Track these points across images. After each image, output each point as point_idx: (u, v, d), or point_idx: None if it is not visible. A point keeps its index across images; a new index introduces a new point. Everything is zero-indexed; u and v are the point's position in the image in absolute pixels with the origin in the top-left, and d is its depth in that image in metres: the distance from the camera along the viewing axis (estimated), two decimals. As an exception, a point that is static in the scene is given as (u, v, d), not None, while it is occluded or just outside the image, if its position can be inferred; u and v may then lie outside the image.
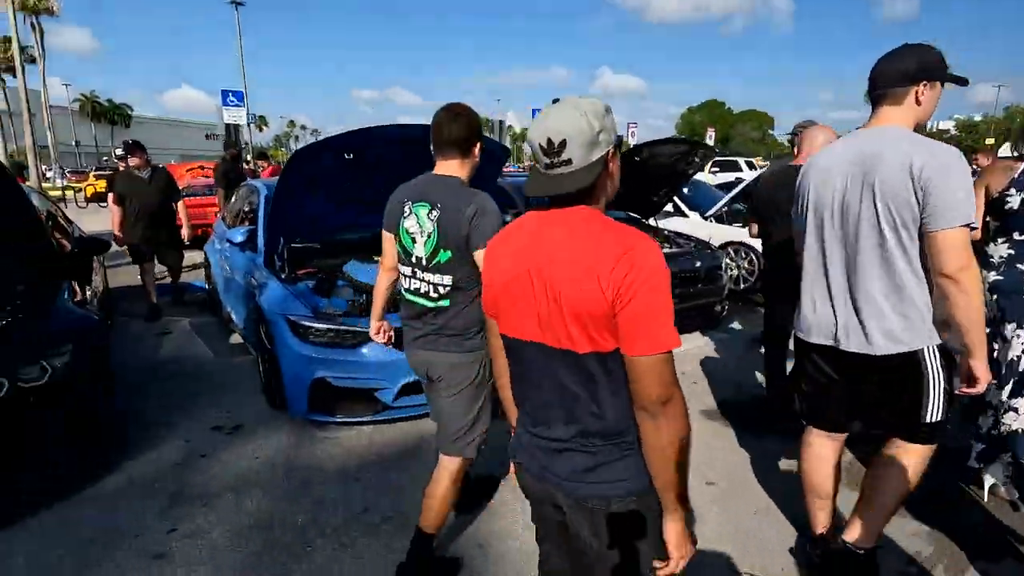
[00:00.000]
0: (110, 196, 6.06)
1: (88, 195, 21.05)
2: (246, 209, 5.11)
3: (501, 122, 16.99)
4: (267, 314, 3.36)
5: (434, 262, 1.91)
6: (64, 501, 2.60)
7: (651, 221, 6.42)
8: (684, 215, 7.26)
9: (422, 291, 1.96)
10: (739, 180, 12.02)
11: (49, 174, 34.53)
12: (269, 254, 3.87)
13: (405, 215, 1.95)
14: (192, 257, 7.11)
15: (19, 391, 2.44)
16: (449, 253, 1.87)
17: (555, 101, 1.16)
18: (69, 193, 21.92)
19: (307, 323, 3.14)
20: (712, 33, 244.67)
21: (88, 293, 3.55)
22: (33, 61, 34.81)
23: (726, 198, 6.94)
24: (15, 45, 23.61)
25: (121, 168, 7.47)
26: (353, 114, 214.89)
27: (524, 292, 1.15)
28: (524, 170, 16.46)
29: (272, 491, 2.69)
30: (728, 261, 6.54)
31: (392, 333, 2.29)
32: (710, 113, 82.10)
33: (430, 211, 1.88)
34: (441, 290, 1.92)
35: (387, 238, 2.07)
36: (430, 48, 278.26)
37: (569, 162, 1.07)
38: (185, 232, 5.84)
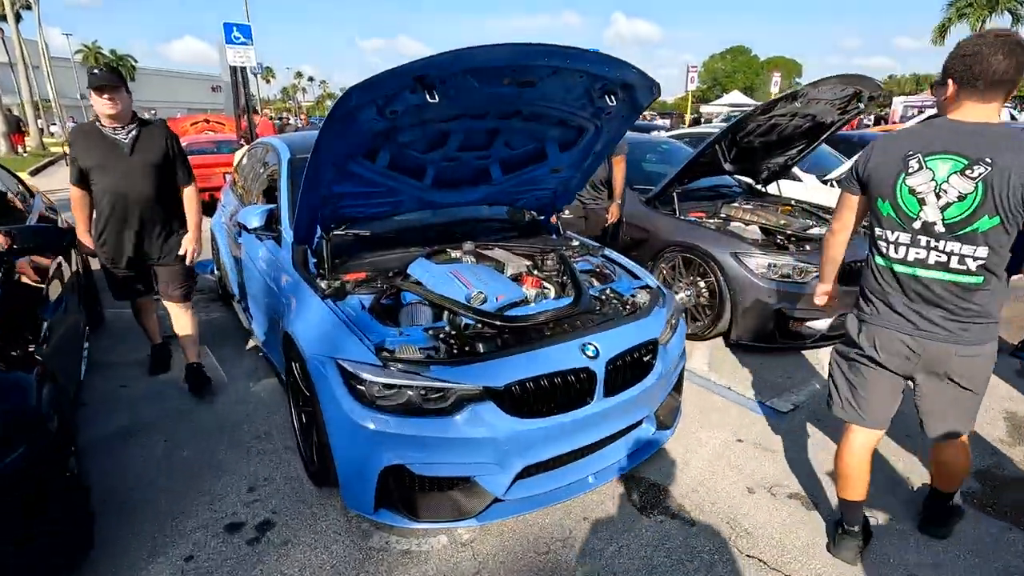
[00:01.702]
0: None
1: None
2: (263, 174, 3.85)
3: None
4: (305, 353, 2.17)
5: (966, 230, 1.57)
6: None
7: (769, 188, 5.07)
8: (796, 178, 5.88)
9: (931, 261, 1.65)
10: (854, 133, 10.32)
11: (54, 128, 33.22)
12: (301, 250, 2.65)
13: (910, 171, 1.63)
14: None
15: None
16: (996, 220, 1.54)
17: None
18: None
19: (372, 376, 1.94)
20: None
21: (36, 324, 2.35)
22: (28, 7, 32.83)
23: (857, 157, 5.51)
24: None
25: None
26: (361, 65, 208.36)
27: None
28: None
29: None
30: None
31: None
32: (734, 61, 77.58)
33: (967, 167, 1.55)
34: (971, 263, 1.60)
35: (853, 201, 1.84)
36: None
37: None
38: (188, 248, 3.02)
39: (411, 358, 1.98)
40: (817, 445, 2.71)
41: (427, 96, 1.95)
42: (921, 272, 1.66)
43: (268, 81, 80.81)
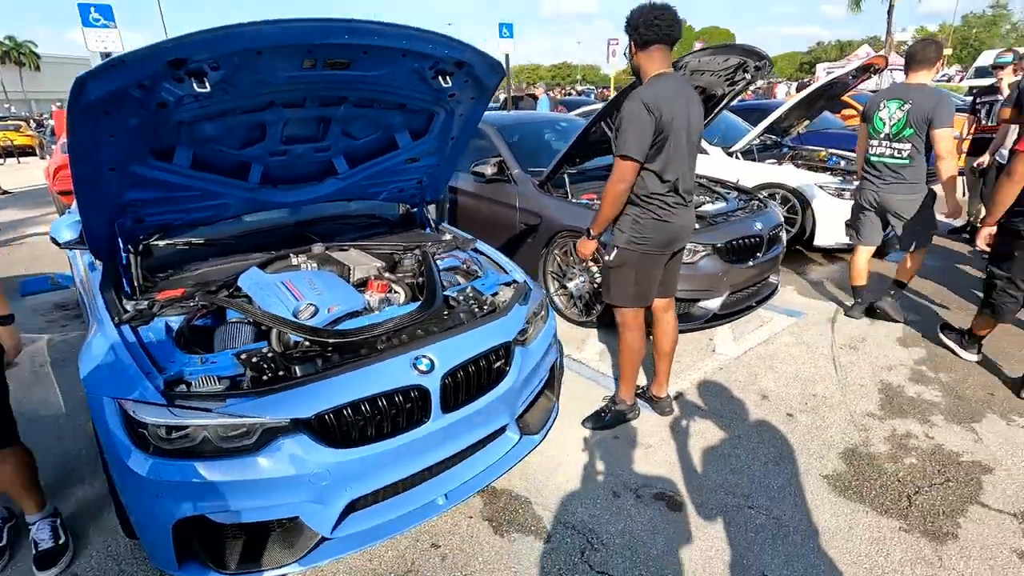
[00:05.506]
0: None
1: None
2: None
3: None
4: (87, 391, 1.86)
5: (900, 135, 3.36)
6: None
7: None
8: (702, 151, 5.83)
9: (887, 154, 3.46)
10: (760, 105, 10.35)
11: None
12: (110, 268, 2.31)
13: (880, 108, 3.45)
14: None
15: None
16: (912, 130, 3.31)
17: None
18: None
19: (153, 418, 1.66)
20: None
21: None
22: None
23: (760, 127, 5.49)
24: None
25: None
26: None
27: None
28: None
29: None
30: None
31: None
32: (671, 32, 77.91)
33: (901, 105, 3.34)
34: (903, 153, 3.39)
35: (866, 128, 3.57)
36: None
37: None
38: None
39: (203, 392, 1.72)
40: (696, 434, 2.62)
41: (194, 85, 1.66)
42: (884, 159, 3.47)
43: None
